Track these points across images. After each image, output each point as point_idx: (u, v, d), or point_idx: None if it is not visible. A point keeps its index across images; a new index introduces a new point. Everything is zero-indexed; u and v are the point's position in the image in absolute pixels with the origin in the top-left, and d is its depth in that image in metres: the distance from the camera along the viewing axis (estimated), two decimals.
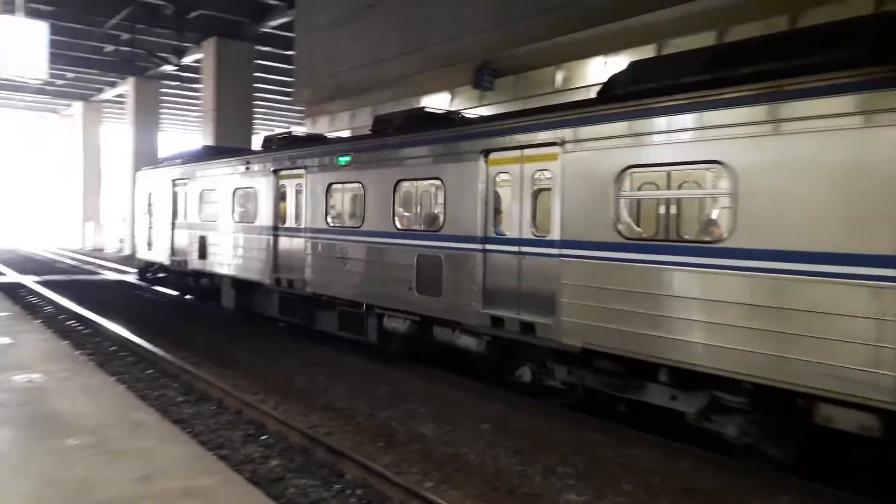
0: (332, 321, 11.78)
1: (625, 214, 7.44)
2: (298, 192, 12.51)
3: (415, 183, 11.19)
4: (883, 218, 5.33)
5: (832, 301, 5.55)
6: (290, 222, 12.84)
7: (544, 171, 8.22)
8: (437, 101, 19.12)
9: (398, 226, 10.32)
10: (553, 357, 8.24)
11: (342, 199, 12.23)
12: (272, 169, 13.11)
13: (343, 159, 11.24)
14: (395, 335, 10.47)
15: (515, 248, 8.46)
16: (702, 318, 6.42)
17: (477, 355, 9.22)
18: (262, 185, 13.39)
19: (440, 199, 10.28)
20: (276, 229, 13.07)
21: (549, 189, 8.21)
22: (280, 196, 13.11)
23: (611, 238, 7.26)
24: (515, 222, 8.48)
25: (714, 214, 7.79)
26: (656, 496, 6.14)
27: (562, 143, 7.79)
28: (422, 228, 10.60)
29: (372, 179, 10.59)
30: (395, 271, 10.06)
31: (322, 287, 11.62)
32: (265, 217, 13.31)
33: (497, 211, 9.01)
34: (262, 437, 7.53)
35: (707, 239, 7.19)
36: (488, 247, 8.78)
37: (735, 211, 6.28)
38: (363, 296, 10.76)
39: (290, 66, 26.88)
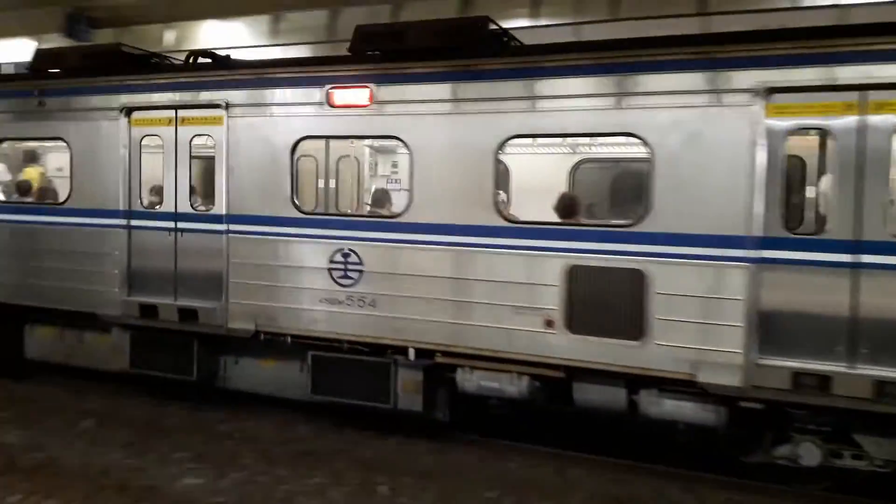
0: None
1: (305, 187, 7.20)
2: None
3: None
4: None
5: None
6: None
7: (206, 137, 7.44)
8: (21, 48, 16.18)
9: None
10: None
11: None
12: None
13: None
14: None
15: (170, 224, 7.60)
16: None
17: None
18: None
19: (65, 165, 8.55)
20: None
21: (212, 157, 7.47)
22: None
23: (288, 213, 7.01)
24: (170, 194, 7.59)
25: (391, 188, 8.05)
26: (275, 463, 6.28)
27: (227, 106, 7.22)
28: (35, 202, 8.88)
29: None
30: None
31: None
32: None
33: (146, 181, 7.88)
34: None
35: (385, 213, 7.36)
36: (134, 222, 7.75)
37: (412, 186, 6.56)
38: None
39: None
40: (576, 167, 8.18)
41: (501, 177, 6.75)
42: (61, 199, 8.36)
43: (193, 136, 7.50)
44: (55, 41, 15.95)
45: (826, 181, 5.53)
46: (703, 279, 5.52)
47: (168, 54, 9.26)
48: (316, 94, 6.84)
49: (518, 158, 7.86)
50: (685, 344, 5.59)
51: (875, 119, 5.07)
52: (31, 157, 10.51)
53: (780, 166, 5.31)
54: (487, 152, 6.23)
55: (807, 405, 5.35)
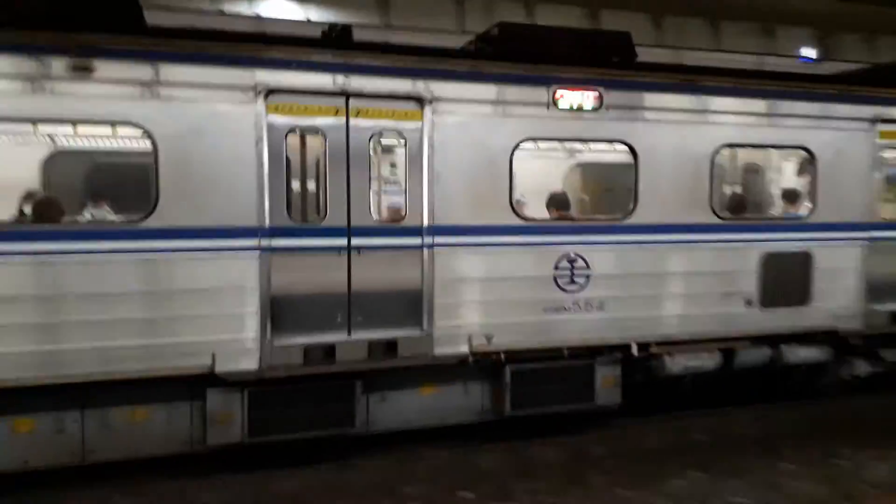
0: None
1: None
2: None
3: None
4: None
5: None
6: None
7: None
8: None
9: None
10: None
11: None
12: None
13: None
14: None
15: None
16: None
17: None
18: None
19: None
20: None
21: None
22: None
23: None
24: None
25: None
26: None
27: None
28: None
29: None
30: None
31: None
32: None
33: None
34: None
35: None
36: None
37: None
38: None
39: None
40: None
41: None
42: None
43: None
44: None
45: (323, 175, 6.10)
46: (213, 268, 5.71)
47: None
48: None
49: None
50: None
51: (356, 122, 6.04)
52: None
53: (282, 161, 5.84)
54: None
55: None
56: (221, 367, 5.72)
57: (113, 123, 5.82)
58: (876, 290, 7.76)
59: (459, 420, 6.82)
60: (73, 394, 5.54)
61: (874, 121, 7.56)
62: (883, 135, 7.59)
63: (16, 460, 5.53)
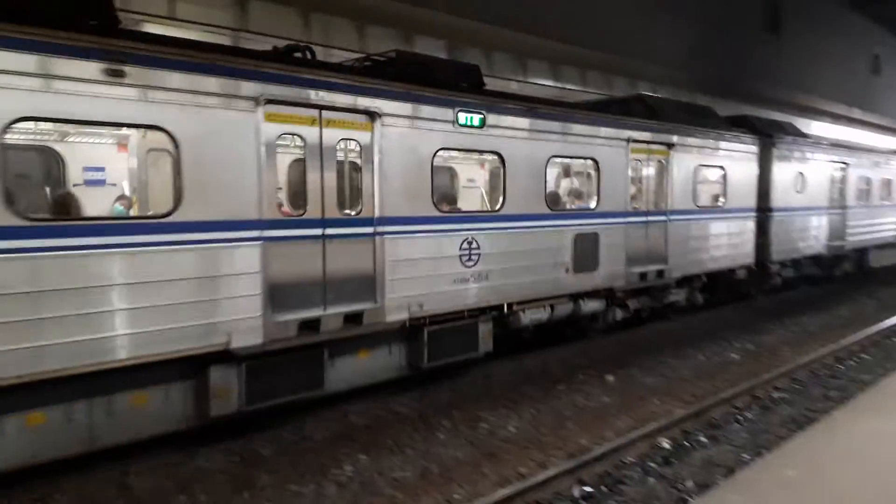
0: None
1: None
2: None
3: None
4: None
5: None
6: None
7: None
8: None
9: None
10: None
11: None
12: None
13: None
14: None
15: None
16: None
17: None
18: None
19: None
20: None
21: None
22: None
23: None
24: None
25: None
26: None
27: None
28: None
29: None
30: None
31: None
32: None
33: None
34: None
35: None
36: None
37: None
38: None
39: None
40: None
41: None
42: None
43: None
44: None
45: (306, 174, 7.16)
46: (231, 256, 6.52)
47: None
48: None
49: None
50: None
51: (327, 131, 7.24)
52: None
53: (276, 163, 6.88)
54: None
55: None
56: (236, 344, 6.52)
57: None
58: (629, 258, 11.31)
59: (387, 377, 8.37)
60: (79, 385, 5.81)
61: (628, 140, 11.00)
62: (633, 150, 11.08)
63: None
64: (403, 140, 7.86)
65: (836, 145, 18.19)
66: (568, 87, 17.84)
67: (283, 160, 7.35)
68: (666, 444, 7.07)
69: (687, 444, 7.14)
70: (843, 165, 17.50)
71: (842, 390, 8.90)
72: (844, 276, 18.71)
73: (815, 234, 16.31)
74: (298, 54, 7.66)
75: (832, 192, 17.06)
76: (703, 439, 7.26)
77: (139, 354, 5.90)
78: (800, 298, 16.01)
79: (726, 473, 6.26)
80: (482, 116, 8.69)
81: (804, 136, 16.73)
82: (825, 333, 12.50)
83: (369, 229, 7.62)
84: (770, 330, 12.74)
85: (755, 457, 6.55)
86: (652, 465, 6.60)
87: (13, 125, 5.33)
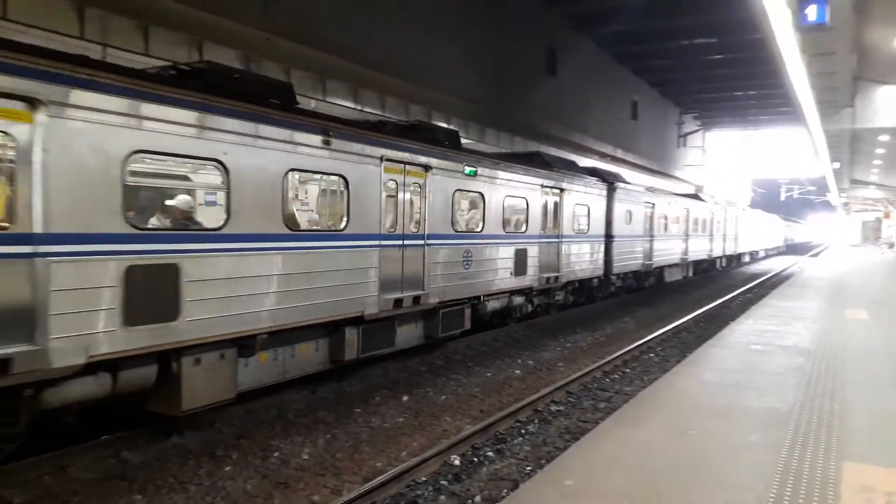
0: None
1: None
2: None
3: None
4: None
5: None
6: None
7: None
8: None
9: None
10: None
11: None
12: None
13: None
14: None
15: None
16: None
17: None
18: None
19: None
20: None
21: None
22: None
23: None
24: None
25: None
26: None
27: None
28: None
29: None
30: None
31: None
32: None
33: None
34: None
35: None
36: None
37: None
38: None
39: None
40: None
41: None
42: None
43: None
44: None
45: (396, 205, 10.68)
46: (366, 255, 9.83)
47: None
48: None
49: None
50: None
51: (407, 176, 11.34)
52: None
53: (385, 197, 10.19)
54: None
55: None
56: (367, 312, 9.68)
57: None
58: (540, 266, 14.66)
59: (414, 344, 11.59)
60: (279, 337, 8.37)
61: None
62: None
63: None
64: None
65: (648, 190, 23.54)
66: (367, 109, 18.05)
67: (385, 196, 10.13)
68: (457, 460, 7.31)
69: (476, 459, 7.44)
70: (651, 205, 22.74)
71: (609, 402, 9.87)
72: (649, 287, 24.27)
73: (636, 255, 21.30)
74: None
75: (645, 225, 22.09)
76: (490, 454, 7.61)
77: (321, 315, 8.83)
78: (573, 318, 17.56)
79: (512, 486, 6.62)
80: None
81: (626, 181, 21.22)
82: (594, 350, 13.85)
83: (420, 242, 10.85)
84: (548, 347, 13.83)
85: (537, 468, 7.01)
86: (444, 482, 6.78)
87: (288, 174, 8.41)
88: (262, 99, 8.14)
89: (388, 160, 10.05)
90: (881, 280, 25.92)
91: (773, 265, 47.08)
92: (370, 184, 9.75)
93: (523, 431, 8.46)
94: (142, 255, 6.56)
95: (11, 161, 5.76)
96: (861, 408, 7.20)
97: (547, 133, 27.64)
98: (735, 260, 41.46)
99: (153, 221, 7.63)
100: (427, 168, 11.00)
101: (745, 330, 12.34)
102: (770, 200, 73.81)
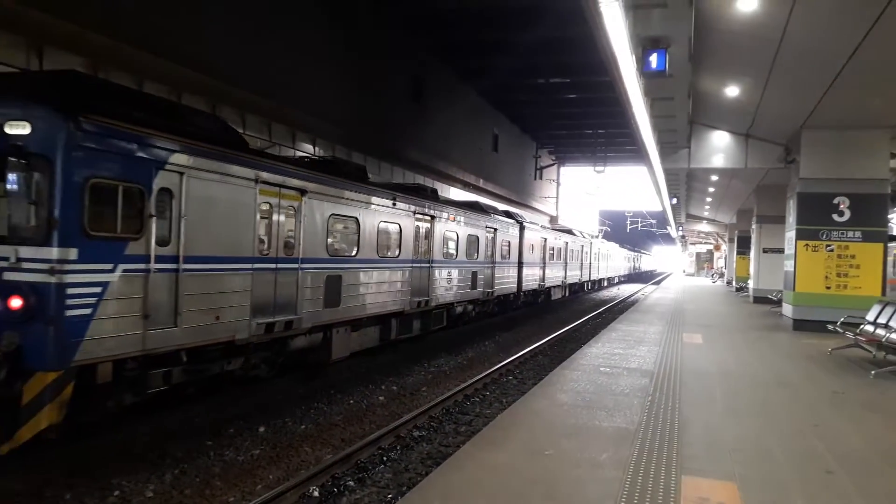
0: None
1: None
2: None
3: None
4: None
5: None
6: None
7: None
8: None
9: None
10: None
11: None
12: None
13: None
14: None
15: None
16: None
17: None
18: None
19: None
20: None
21: None
22: None
23: None
24: None
25: None
26: None
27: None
28: None
29: None
30: None
31: None
32: None
33: None
34: None
35: None
36: None
37: None
38: None
39: None
40: None
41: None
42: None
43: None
44: None
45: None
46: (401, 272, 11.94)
47: None
48: None
49: None
50: None
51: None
52: None
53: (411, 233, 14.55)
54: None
55: None
56: (406, 309, 14.81)
57: None
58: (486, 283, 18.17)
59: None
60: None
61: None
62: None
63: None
64: None
65: (543, 227, 29.97)
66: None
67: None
68: (316, 492, 7.07)
69: (336, 489, 7.24)
70: (544, 239, 28.71)
71: (470, 424, 10.02)
72: (541, 303, 30.34)
73: (535, 277, 27.27)
74: None
75: (540, 254, 27.85)
76: (351, 483, 7.44)
77: (386, 310, 13.92)
78: (436, 342, 17.75)
79: None
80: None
81: (532, 222, 28.00)
82: (456, 373, 14.04)
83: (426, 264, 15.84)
84: (413, 372, 13.84)
85: (398, 495, 6.93)
86: None
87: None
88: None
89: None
90: (713, 306, 28.48)
91: (622, 291, 50.49)
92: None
93: (385, 458, 8.35)
94: (333, 269, 11.84)
95: (293, 217, 10.71)
96: (697, 425, 7.79)
97: (412, 160, 27.98)
98: (597, 284, 48.33)
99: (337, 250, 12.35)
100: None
101: (595, 353, 13.05)
102: (616, 232, 79.08)
